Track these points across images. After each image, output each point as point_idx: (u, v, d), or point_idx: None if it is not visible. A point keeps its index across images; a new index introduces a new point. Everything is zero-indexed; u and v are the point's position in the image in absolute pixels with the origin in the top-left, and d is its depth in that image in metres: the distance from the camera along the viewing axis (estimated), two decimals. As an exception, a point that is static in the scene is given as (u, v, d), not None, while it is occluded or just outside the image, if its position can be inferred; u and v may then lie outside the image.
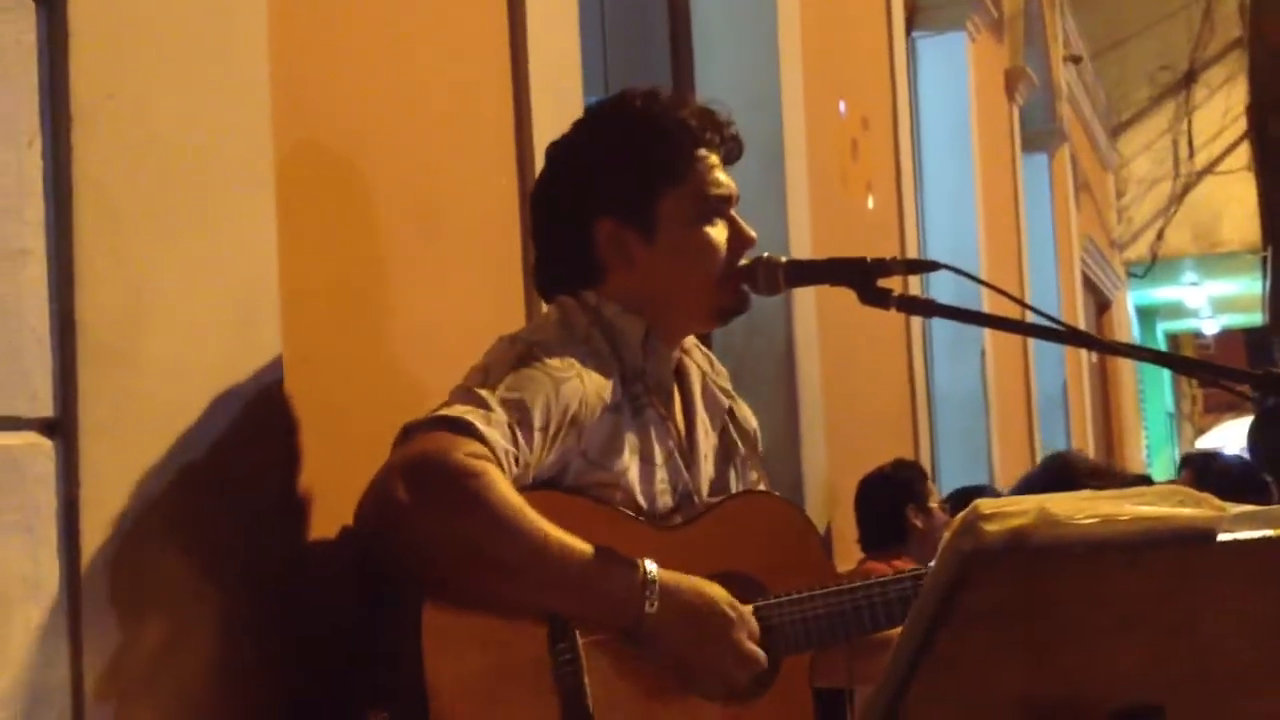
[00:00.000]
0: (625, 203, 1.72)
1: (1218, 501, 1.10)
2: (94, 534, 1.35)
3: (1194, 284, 14.59)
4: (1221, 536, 1.09)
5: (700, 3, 3.76)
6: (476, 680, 1.46)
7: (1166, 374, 16.84)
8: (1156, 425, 15.47)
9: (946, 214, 5.79)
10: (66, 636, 1.33)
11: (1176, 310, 16.16)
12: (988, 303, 5.75)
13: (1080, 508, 1.04)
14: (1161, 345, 17.36)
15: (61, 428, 1.34)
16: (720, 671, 1.59)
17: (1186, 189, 12.30)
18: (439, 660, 1.43)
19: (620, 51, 3.33)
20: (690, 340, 1.83)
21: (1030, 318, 1.75)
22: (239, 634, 1.50)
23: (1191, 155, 12.21)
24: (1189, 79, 11.92)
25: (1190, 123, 12.09)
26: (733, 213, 1.76)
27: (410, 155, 2.02)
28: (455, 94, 2.15)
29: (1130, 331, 13.94)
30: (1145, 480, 2.49)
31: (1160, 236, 12.48)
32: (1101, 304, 11.66)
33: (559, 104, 2.32)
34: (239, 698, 1.50)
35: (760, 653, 1.61)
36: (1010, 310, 1.77)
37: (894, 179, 4.78)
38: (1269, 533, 1.12)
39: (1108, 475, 2.29)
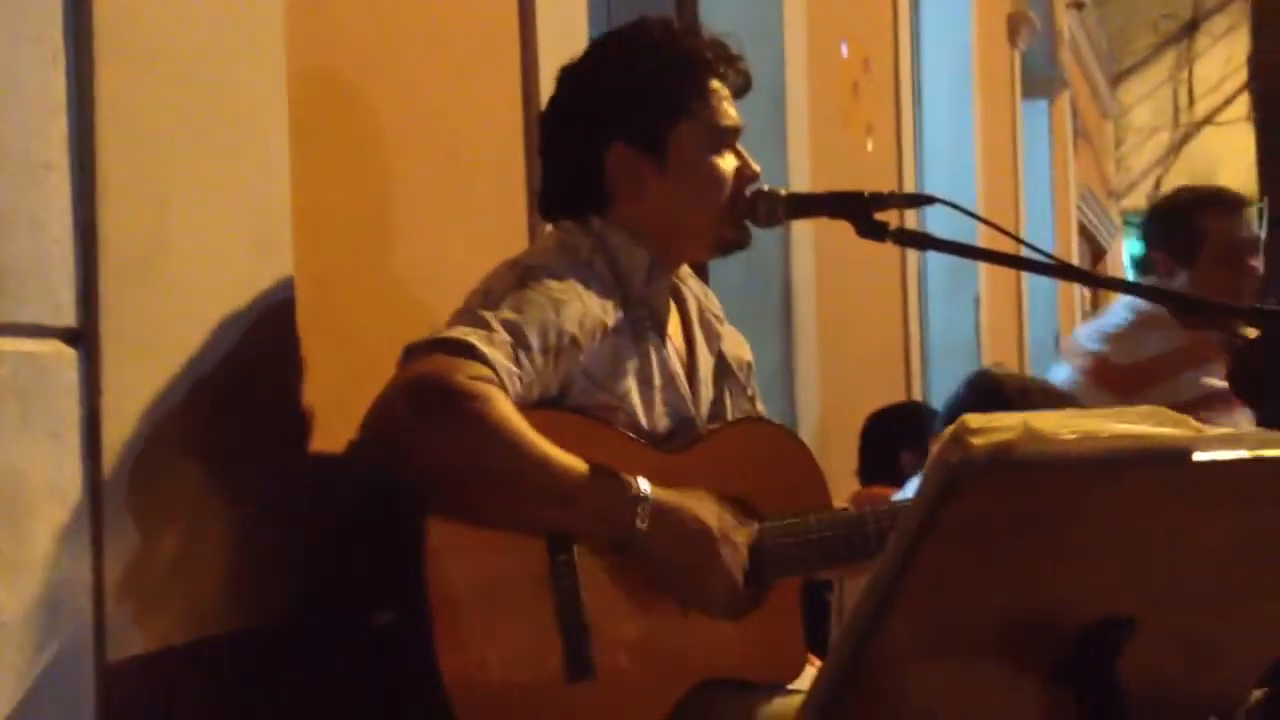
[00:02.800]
0: (638, 128, 1.76)
1: (1195, 423, 1.15)
2: (115, 442, 1.41)
3: (1190, 234, 14.60)
4: (1197, 456, 1.13)
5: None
6: (476, 586, 1.52)
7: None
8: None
9: (945, 157, 5.81)
10: (89, 540, 1.38)
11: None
12: (983, 243, 5.79)
13: (1064, 424, 1.09)
14: (1156, 295, 17.41)
15: (84, 337, 1.38)
16: (699, 583, 1.64)
17: (1185, 138, 12.30)
18: (441, 566, 1.49)
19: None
20: (685, 270, 1.88)
21: (1025, 254, 1.79)
22: (252, 539, 1.56)
23: (1191, 105, 12.19)
24: (1191, 27, 11.87)
25: (1191, 72, 12.06)
26: (739, 145, 1.80)
27: (418, 81, 2.05)
28: (463, 22, 2.18)
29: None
30: (1070, 399, 2.52)
31: (1158, 186, 12.47)
32: (1096, 252, 11.68)
33: (564, 32, 2.35)
34: (251, 599, 1.56)
35: (738, 574, 1.65)
36: (1005, 249, 1.81)
37: (894, 121, 4.80)
38: (1244, 454, 1.17)
39: (1035, 392, 2.33)
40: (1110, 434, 1.10)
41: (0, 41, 1.30)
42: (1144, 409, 1.16)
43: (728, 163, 1.78)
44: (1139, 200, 12.71)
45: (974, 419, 1.07)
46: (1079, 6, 9.56)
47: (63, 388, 1.36)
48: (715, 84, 1.78)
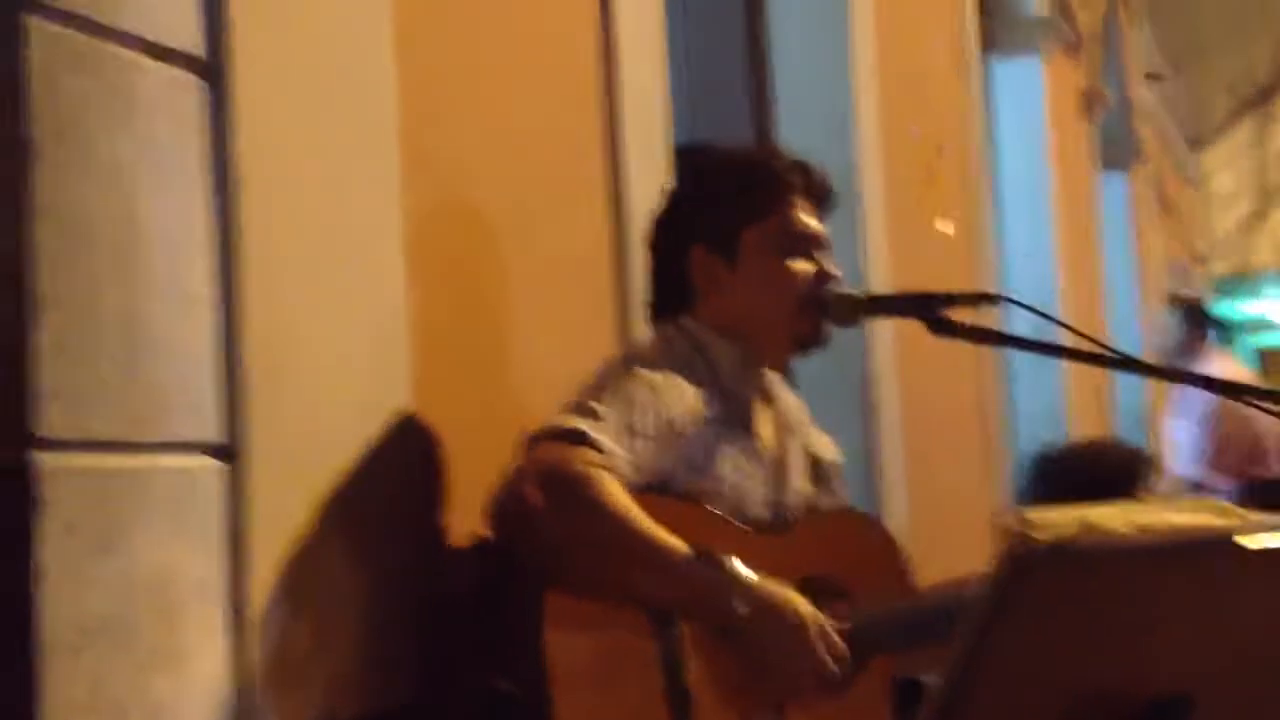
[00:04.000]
0: (714, 232, 1.92)
1: (1242, 512, 1.25)
2: (258, 543, 1.55)
3: (1278, 298, 14.46)
4: (1245, 544, 1.23)
5: (778, 33, 3.90)
6: (590, 657, 1.65)
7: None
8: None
9: (1024, 236, 5.87)
10: (232, 633, 1.53)
11: (1262, 325, 15.99)
12: (1063, 317, 5.84)
13: (1118, 518, 1.20)
14: (1252, 361, 17.18)
15: (230, 451, 1.54)
16: (792, 672, 1.75)
17: (1269, 203, 12.23)
18: (558, 638, 1.63)
19: (701, 94, 3.51)
20: (776, 377, 2.02)
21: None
22: (383, 628, 1.70)
23: (1274, 169, 12.14)
24: (1269, 93, 11.86)
25: (1272, 137, 12.03)
26: (818, 253, 1.94)
27: (518, 203, 2.21)
28: (557, 147, 2.35)
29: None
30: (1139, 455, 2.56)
31: (1243, 251, 12.41)
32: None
33: (649, 153, 2.50)
34: (382, 683, 1.70)
35: (829, 660, 1.76)
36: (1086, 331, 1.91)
37: (969, 203, 4.90)
38: (1290, 541, 1.27)
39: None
40: (1163, 525, 1.20)
41: (151, 186, 1.47)
42: (1196, 501, 1.26)
43: (800, 266, 1.92)
44: (1224, 266, 12.64)
45: (1035, 516, 1.18)
46: (1157, 79, 9.62)
47: (210, 497, 1.52)
48: (790, 195, 1.93)
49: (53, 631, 1.29)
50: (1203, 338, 5.30)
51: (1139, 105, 8.71)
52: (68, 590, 1.31)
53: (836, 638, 1.77)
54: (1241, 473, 5.07)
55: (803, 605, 1.76)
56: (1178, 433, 5.47)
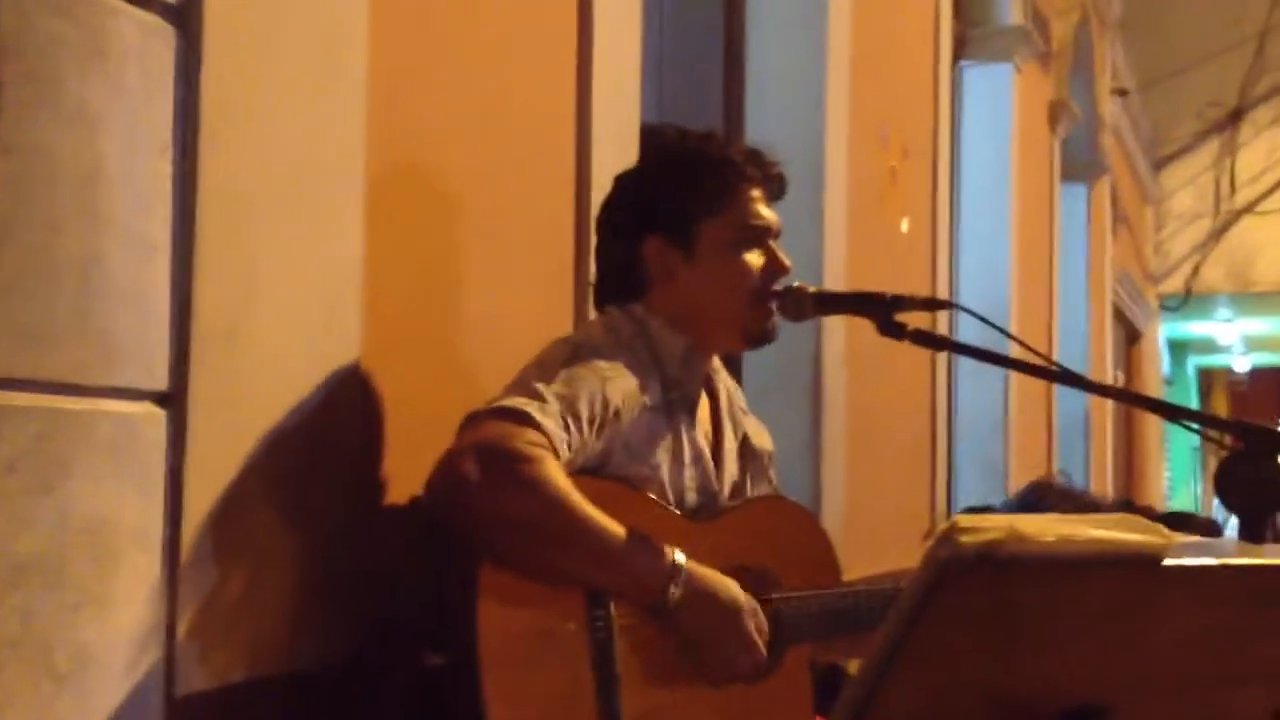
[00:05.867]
0: (671, 223, 1.93)
1: (1165, 530, 1.28)
2: (195, 494, 1.56)
3: (1227, 320, 14.66)
4: (1167, 561, 1.27)
5: (755, 27, 3.93)
6: (521, 635, 1.67)
7: (1195, 406, 16.91)
8: (1180, 458, 15.53)
9: (981, 240, 5.94)
10: (165, 581, 1.53)
11: (1208, 346, 16.22)
12: (1013, 329, 5.92)
13: (1045, 528, 1.22)
14: (1192, 380, 17.43)
15: (173, 400, 1.54)
16: (726, 655, 1.79)
17: (1225, 226, 12.38)
18: (490, 614, 1.64)
19: (675, 80, 3.52)
20: (717, 362, 2.04)
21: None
22: (316, 586, 1.71)
23: (1233, 193, 12.29)
24: (1236, 116, 11.99)
25: (1234, 160, 12.17)
26: (772, 243, 1.96)
27: (482, 171, 2.22)
28: (526, 118, 2.35)
29: (1160, 364, 14.02)
30: (1127, 505, 2.66)
31: (1196, 272, 12.56)
32: (1131, 335, 11.75)
33: (617, 130, 2.51)
34: (308, 643, 1.71)
35: (760, 644, 1.80)
36: (1036, 341, 1.95)
37: (930, 206, 4.95)
38: (1210, 561, 1.31)
39: (1078, 498, 2.47)
40: (1085, 538, 1.23)
41: (118, 135, 1.47)
42: (1119, 516, 1.29)
43: (755, 258, 1.94)
44: (1177, 285, 12.79)
45: (965, 519, 1.21)
46: (1123, 94, 9.71)
47: (151, 445, 1.52)
48: (746, 186, 1.95)
49: (-14, 567, 1.30)
50: None
51: (1105, 120, 8.79)
52: (3, 527, 1.32)
53: (764, 620, 1.81)
54: None
55: (735, 589, 1.79)
56: None
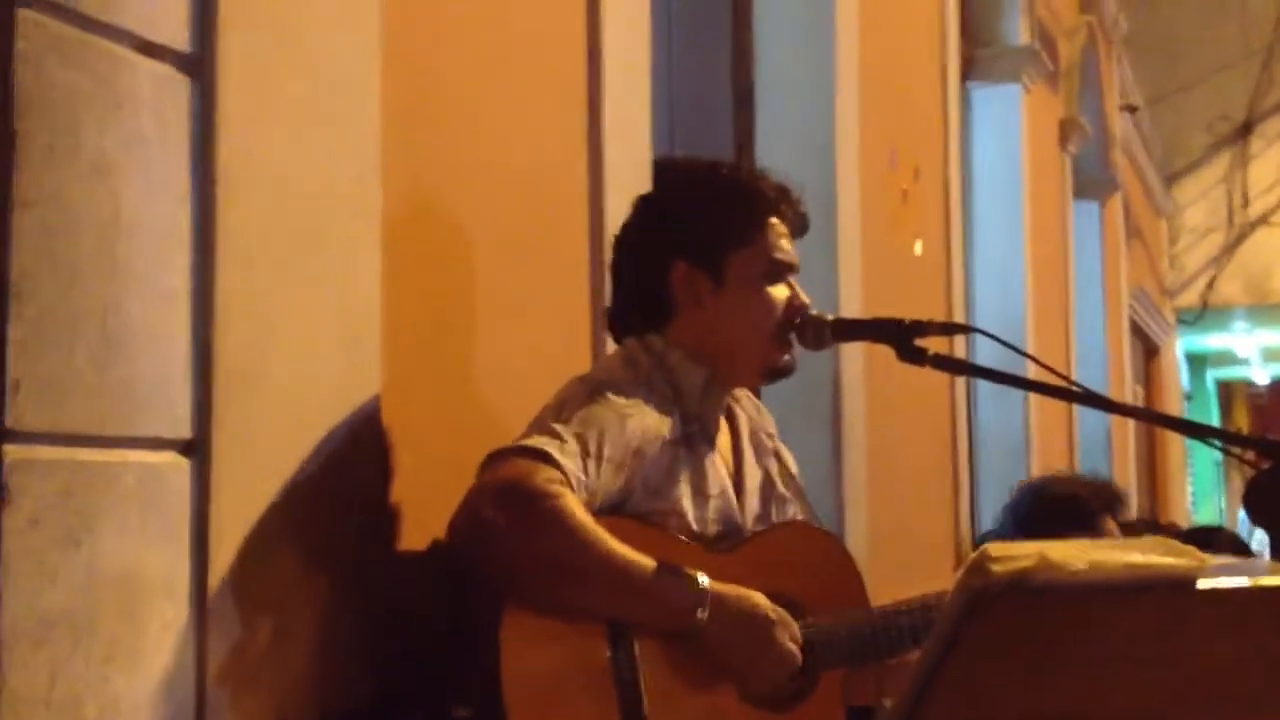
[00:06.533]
0: (701, 250, 1.92)
1: (1198, 552, 1.27)
2: (221, 541, 1.56)
3: (1245, 333, 14.60)
4: (1201, 584, 1.26)
5: (763, 55, 3.94)
6: (546, 675, 1.66)
7: (1215, 419, 16.84)
8: (1203, 472, 15.45)
9: (995, 260, 5.94)
10: (194, 631, 1.53)
11: (1227, 358, 16.14)
12: (1031, 349, 5.90)
13: (1076, 554, 1.22)
14: (1211, 393, 17.33)
15: (197, 448, 1.54)
16: (762, 669, 1.78)
17: (1240, 239, 12.35)
18: (514, 655, 1.63)
19: (684, 110, 3.53)
20: (740, 390, 2.03)
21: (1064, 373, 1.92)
22: (340, 630, 1.71)
23: (1246, 205, 12.27)
24: (1245, 129, 11.98)
25: (1245, 173, 12.15)
26: (792, 279, 1.96)
27: (496, 208, 2.22)
28: (539, 153, 2.36)
29: (1179, 379, 13.97)
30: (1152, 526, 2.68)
31: (1211, 285, 12.52)
32: (1150, 350, 11.72)
33: (629, 163, 2.51)
34: (334, 687, 1.70)
35: (797, 652, 1.79)
36: (1054, 360, 1.94)
37: (943, 227, 4.94)
38: (1244, 582, 1.29)
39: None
40: (1118, 563, 1.22)
41: (136, 184, 1.47)
42: (1151, 539, 1.29)
43: (779, 292, 1.94)
44: (1193, 298, 12.76)
45: (995, 548, 1.20)
46: (1132, 110, 9.71)
47: (177, 494, 1.52)
48: (775, 221, 1.95)
49: (13, 623, 1.29)
50: None
51: (1115, 137, 8.78)
52: (30, 583, 1.32)
53: (796, 628, 1.80)
54: None
55: (763, 602, 1.79)
56: None
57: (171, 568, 1.51)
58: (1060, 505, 2.68)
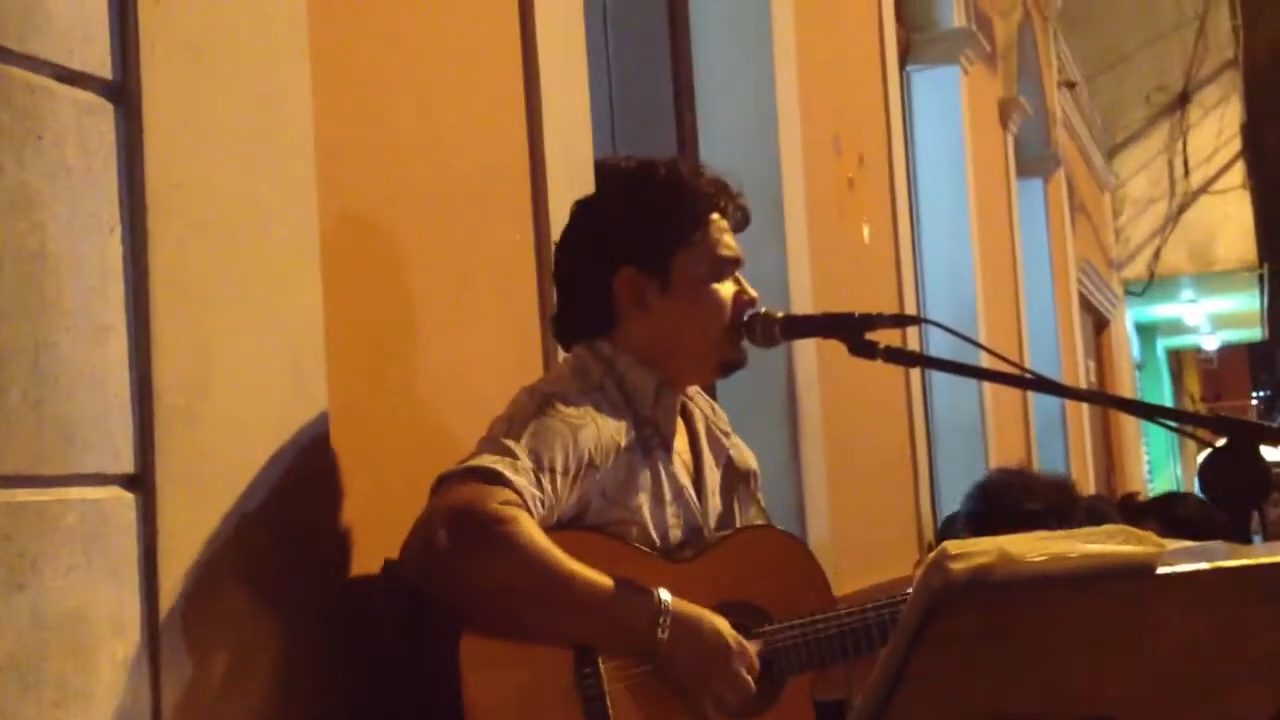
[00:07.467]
0: (645, 254, 1.90)
1: (1156, 538, 1.26)
2: (170, 576, 1.52)
3: (1192, 301, 14.75)
4: (1160, 570, 1.25)
5: (701, 49, 3.92)
6: (509, 700, 1.63)
7: (1168, 391, 17.01)
8: (1158, 442, 15.60)
9: (943, 243, 5.96)
10: (147, 669, 1.50)
11: (1176, 327, 16.33)
12: (983, 331, 5.93)
13: (1034, 547, 1.21)
14: (1162, 361, 17.52)
15: (141, 482, 1.51)
16: (715, 692, 1.76)
17: (1182, 208, 12.48)
18: (475, 682, 1.60)
19: (625, 108, 3.51)
20: (693, 388, 2.01)
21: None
22: (297, 660, 1.67)
23: (1187, 175, 12.39)
24: (1183, 99, 12.10)
25: (1185, 143, 12.27)
26: (738, 274, 1.94)
27: (437, 219, 2.19)
28: (477, 162, 2.33)
29: (1130, 349, 14.09)
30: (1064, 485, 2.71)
31: (1157, 255, 12.64)
32: (1100, 323, 11.81)
33: (572, 166, 2.49)
34: (296, 714, 1.67)
35: (751, 682, 1.78)
36: (1006, 348, 1.94)
37: (890, 212, 4.95)
38: (1203, 565, 1.29)
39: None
40: (1077, 553, 1.21)
41: (63, 217, 1.44)
42: (1109, 528, 1.28)
43: (726, 289, 1.92)
44: (1140, 269, 12.88)
45: (953, 545, 1.19)
46: (1070, 86, 9.77)
47: (122, 529, 1.49)
48: (716, 217, 1.93)
49: (-42, 673, 1.26)
50: None
51: (1055, 114, 8.84)
52: (-26, 630, 1.28)
53: (754, 657, 1.78)
54: None
55: (721, 624, 1.76)
56: None
57: (120, 605, 1.47)
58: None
